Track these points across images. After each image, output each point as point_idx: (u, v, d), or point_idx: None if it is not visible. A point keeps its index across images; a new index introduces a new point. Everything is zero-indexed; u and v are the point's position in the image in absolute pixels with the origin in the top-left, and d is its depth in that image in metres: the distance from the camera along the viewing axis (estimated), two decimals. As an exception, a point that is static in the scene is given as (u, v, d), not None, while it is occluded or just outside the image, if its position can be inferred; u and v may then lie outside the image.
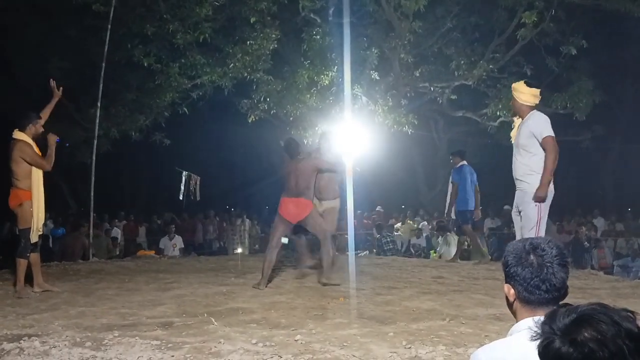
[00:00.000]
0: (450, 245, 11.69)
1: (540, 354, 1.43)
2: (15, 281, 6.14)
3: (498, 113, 12.80)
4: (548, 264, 1.90)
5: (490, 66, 12.73)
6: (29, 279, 6.26)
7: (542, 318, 1.54)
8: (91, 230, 11.11)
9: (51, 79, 6.63)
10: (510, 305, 2.00)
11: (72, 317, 4.93)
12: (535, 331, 1.49)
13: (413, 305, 5.38)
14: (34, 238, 6.09)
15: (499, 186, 11.96)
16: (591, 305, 1.45)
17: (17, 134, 6.09)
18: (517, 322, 1.96)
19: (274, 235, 6.76)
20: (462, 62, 12.64)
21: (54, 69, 12.16)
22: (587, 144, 17.44)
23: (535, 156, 5.63)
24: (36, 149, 6.15)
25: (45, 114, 6.46)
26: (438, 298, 5.70)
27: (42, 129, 6.23)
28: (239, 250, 13.18)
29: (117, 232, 14.89)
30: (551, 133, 5.56)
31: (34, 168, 6.08)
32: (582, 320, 1.40)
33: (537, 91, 5.80)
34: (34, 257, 6.23)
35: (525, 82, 5.91)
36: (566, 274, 1.93)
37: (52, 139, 6.22)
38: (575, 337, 1.37)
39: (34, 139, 6.16)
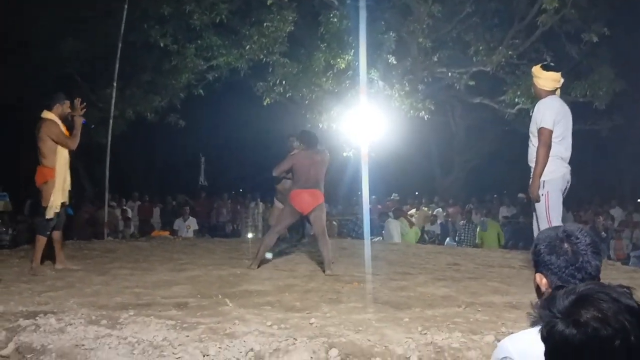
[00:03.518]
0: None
1: (543, 338, 1.41)
2: (33, 258, 6.19)
3: (516, 100, 12.62)
4: (583, 252, 1.86)
5: (510, 52, 12.54)
6: (48, 257, 6.30)
7: (539, 303, 1.52)
8: (106, 210, 11.18)
9: (78, 98, 6.42)
10: (541, 295, 1.94)
11: (87, 295, 4.95)
12: (534, 316, 1.47)
13: (428, 291, 5.34)
14: (49, 214, 6.12)
15: (515, 174, 11.85)
16: (588, 285, 1.44)
17: (45, 113, 6.16)
18: None
19: (279, 223, 6.69)
20: (481, 47, 12.48)
21: (68, 50, 12.16)
22: (606, 133, 17.21)
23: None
24: (63, 129, 6.20)
25: (74, 139, 6.26)
26: (453, 285, 5.65)
27: (69, 110, 6.26)
28: (251, 234, 13.19)
29: (130, 212, 15.02)
30: (547, 125, 5.30)
31: (59, 147, 6.14)
32: (582, 301, 1.38)
33: (556, 75, 5.48)
34: (56, 234, 6.29)
35: (542, 66, 5.60)
36: (600, 262, 1.90)
37: (79, 120, 6.30)
38: (578, 318, 1.35)
39: (60, 119, 6.20)
